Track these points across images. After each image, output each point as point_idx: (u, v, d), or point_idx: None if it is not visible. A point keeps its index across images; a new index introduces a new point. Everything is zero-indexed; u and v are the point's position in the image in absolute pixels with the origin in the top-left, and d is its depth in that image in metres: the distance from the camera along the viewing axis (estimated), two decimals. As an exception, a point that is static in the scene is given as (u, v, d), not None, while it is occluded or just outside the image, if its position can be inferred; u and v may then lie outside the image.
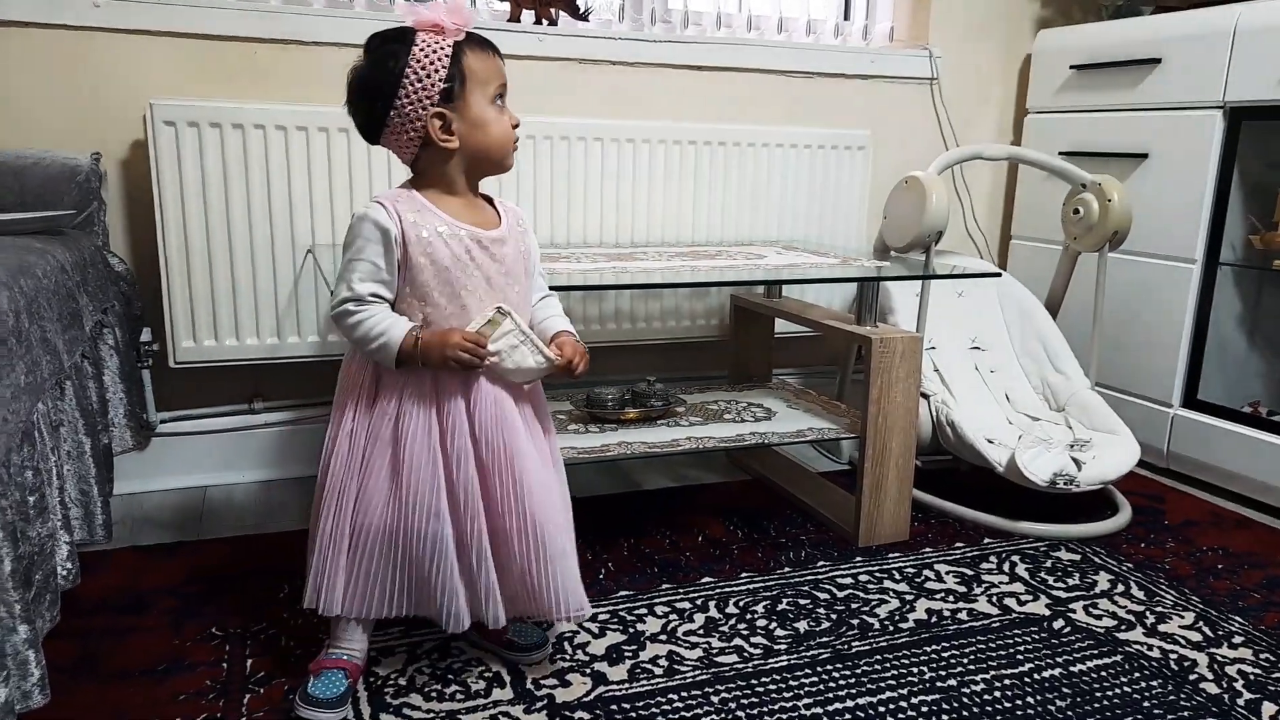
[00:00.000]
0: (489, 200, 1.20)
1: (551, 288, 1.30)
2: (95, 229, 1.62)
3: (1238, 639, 1.37)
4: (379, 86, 1.09)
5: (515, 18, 1.95)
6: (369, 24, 1.79)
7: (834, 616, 1.40)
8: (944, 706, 1.18)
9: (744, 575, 1.53)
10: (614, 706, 1.16)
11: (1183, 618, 1.43)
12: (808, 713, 1.16)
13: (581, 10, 2.00)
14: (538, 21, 1.96)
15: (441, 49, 1.08)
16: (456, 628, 1.15)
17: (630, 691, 1.19)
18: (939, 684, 1.23)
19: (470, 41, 1.10)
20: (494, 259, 1.14)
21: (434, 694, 1.18)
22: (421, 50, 1.07)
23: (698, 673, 1.24)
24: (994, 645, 1.33)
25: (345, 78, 1.12)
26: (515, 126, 1.16)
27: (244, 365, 1.78)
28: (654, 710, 1.16)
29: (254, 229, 1.69)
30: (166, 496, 1.81)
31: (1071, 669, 1.28)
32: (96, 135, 1.68)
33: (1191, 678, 1.26)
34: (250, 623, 1.33)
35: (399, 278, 1.11)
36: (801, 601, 1.44)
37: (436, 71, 1.07)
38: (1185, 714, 1.18)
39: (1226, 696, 1.22)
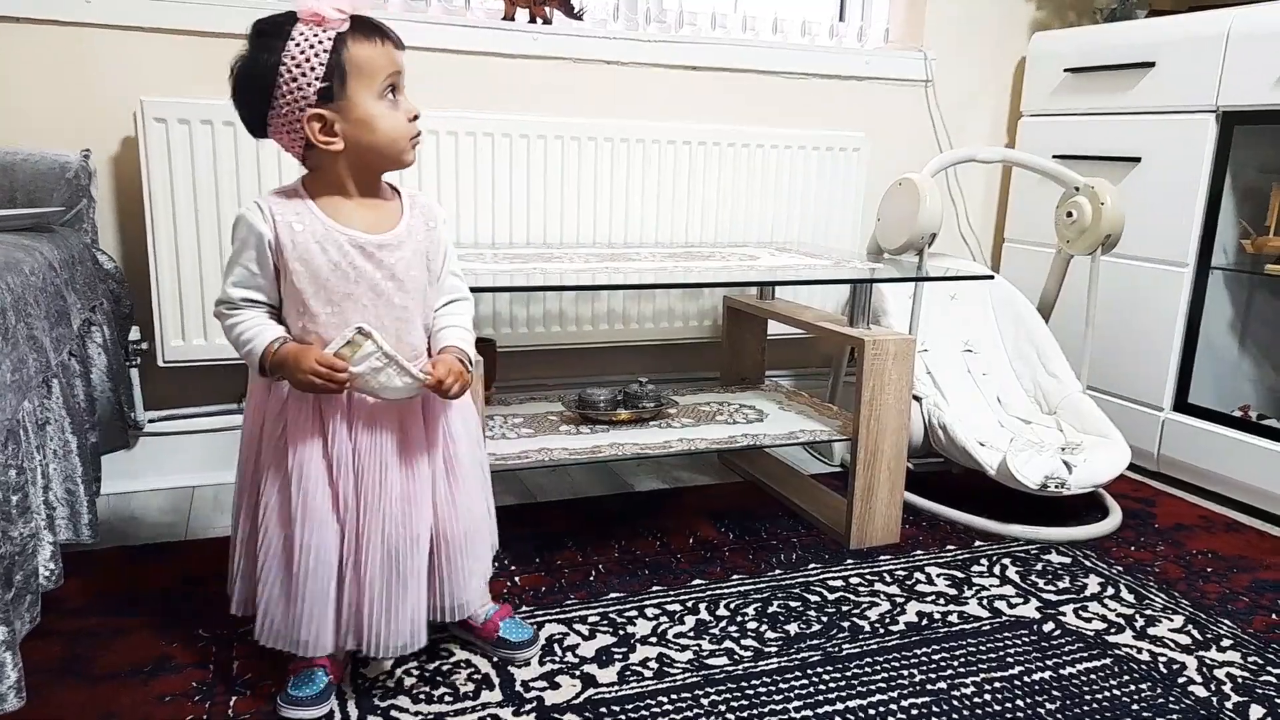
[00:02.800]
0: (399, 194, 1.14)
1: (544, 288, 1.27)
2: (84, 226, 1.61)
3: (1226, 642, 1.37)
4: (255, 82, 1.02)
5: (509, 16, 1.95)
6: (361, 22, 1.79)
7: (824, 619, 1.40)
8: (934, 709, 1.18)
9: (735, 577, 1.52)
10: (603, 709, 1.16)
11: (1172, 621, 1.43)
12: (798, 715, 1.16)
13: (575, 9, 2.00)
14: (532, 20, 1.96)
15: (320, 43, 1.00)
16: (340, 645, 1.12)
17: (620, 694, 1.19)
18: (929, 687, 1.23)
19: (355, 30, 1.02)
20: (379, 265, 1.07)
21: (422, 696, 1.18)
22: (297, 45, 1.00)
23: (688, 675, 1.24)
24: (984, 648, 1.33)
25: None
26: (413, 119, 1.08)
27: (233, 365, 1.77)
28: (644, 713, 1.15)
29: (244, 227, 1.68)
30: (154, 496, 1.80)
31: (1061, 672, 1.27)
32: (86, 132, 1.67)
33: (1180, 681, 1.26)
34: (237, 624, 1.32)
35: (279, 283, 1.06)
36: (792, 604, 1.44)
37: (313, 69, 1.00)
38: (1174, 717, 1.18)
39: (1215, 699, 1.22)
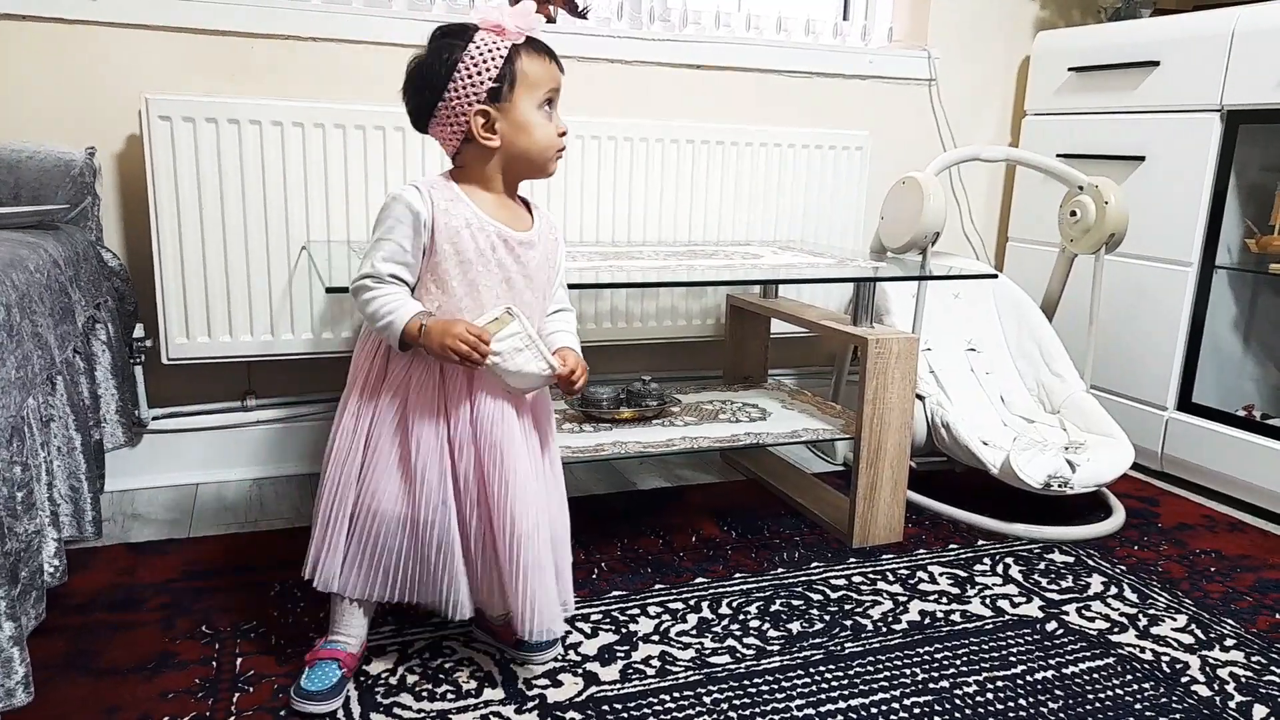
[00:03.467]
0: (526, 204, 1.21)
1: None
2: (89, 224, 1.61)
3: (1230, 642, 1.37)
4: (431, 77, 1.10)
5: (512, 15, 1.94)
6: (365, 20, 1.79)
7: (827, 618, 1.40)
8: (936, 708, 1.18)
9: (737, 576, 1.53)
10: (606, 707, 1.16)
11: (1175, 620, 1.43)
12: (800, 714, 1.16)
13: (580, 8, 2.00)
14: (535, 19, 1.96)
15: (497, 49, 1.09)
16: (458, 615, 1.16)
17: (622, 692, 1.19)
18: (932, 685, 1.23)
19: (528, 45, 1.12)
20: (517, 260, 1.15)
21: (425, 693, 1.18)
22: (477, 48, 1.09)
23: (690, 673, 1.24)
24: (987, 647, 1.33)
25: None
26: (562, 135, 1.16)
27: (237, 362, 1.77)
28: (646, 711, 1.15)
29: (248, 225, 1.68)
30: (158, 493, 1.80)
31: (1064, 671, 1.27)
32: (91, 129, 1.67)
33: (1183, 680, 1.26)
34: (240, 621, 1.32)
35: (422, 262, 1.12)
36: (795, 602, 1.44)
37: (488, 70, 1.09)
38: (1177, 716, 1.18)
39: (1218, 699, 1.22)
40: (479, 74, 1.09)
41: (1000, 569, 1.58)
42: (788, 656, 1.29)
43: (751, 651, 1.30)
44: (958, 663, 1.29)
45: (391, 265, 1.11)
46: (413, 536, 1.14)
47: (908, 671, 1.26)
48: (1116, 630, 1.39)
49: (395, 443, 1.14)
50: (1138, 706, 1.20)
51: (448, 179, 1.15)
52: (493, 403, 1.14)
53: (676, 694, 1.19)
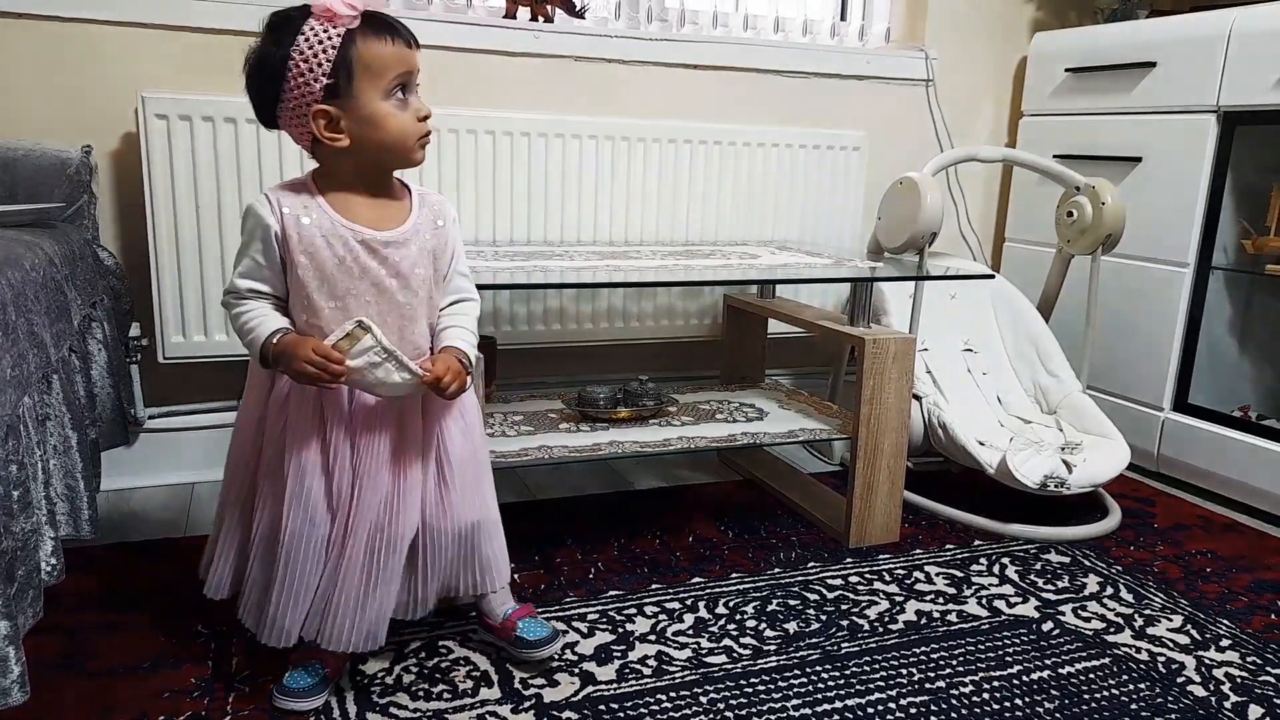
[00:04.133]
0: (408, 190, 1.14)
1: (544, 285, 1.27)
2: (85, 222, 1.61)
3: (1225, 642, 1.37)
4: (264, 75, 1.03)
5: (511, 14, 1.94)
6: (363, 19, 1.79)
7: (823, 618, 1.40)
8: (933, 708, 1.18)
9: (734, 576, 1.53)
10: (602, 706, 1.16)
11: (1171, 620, 1.43)
12: (796, 714, 1.16)
13: (577, 8, 2.00)
14: (533, 18, 1.96)
15: (328, 39, 1.00)
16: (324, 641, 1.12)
17: (619, 691, 1.19)
18: (928, 685, 1.23)
19: (366, 27, 1.02)
20: (383, 263, 1.08)
21: (421, 693, 1.18)
22: (306, 40, 1.00)
23: (687, 673, 1.24)
24: (983, 647, 1.33)
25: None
26: (424, 119, 1.08)
27: (233, 361, 1.77)
28: (642, 710, 1.15)
29: (245, 224, 1.68)
30: (154, 493, 1.80)
31: (1060, 671, 1.28)
32: (87, 127, 1.67)
33: (1179, 680, 1.26)
34: (237, 620, 1.32)
35: (285, 276, 1.07)
36: (791, 602, 1.44)
37: (320, 65, 1.00)
38: (1173, 716, 1.18)
39: (1213, 699, 1.22)
40: (310, 71, 1.00)
41: (996, 569, 1.59)
42: (784, 656, 1.29)
43: (748, 651, 1.30)
44: (954, 663, 1.29)
45: (249, 281, 1.07)
46: (287, 555, 1.09)
47: (904, 671, 1.26)
48: (1112, 630, 1.39)
49: (280, 461, 1.10)
50: (1133, 707, 1.20)
51: (305, 181, 1.09)
52: (366, 412, 1.10)
53: (673, 694, 1.19)
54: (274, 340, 1.06)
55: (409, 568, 1.16)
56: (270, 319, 1.07)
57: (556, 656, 1.26)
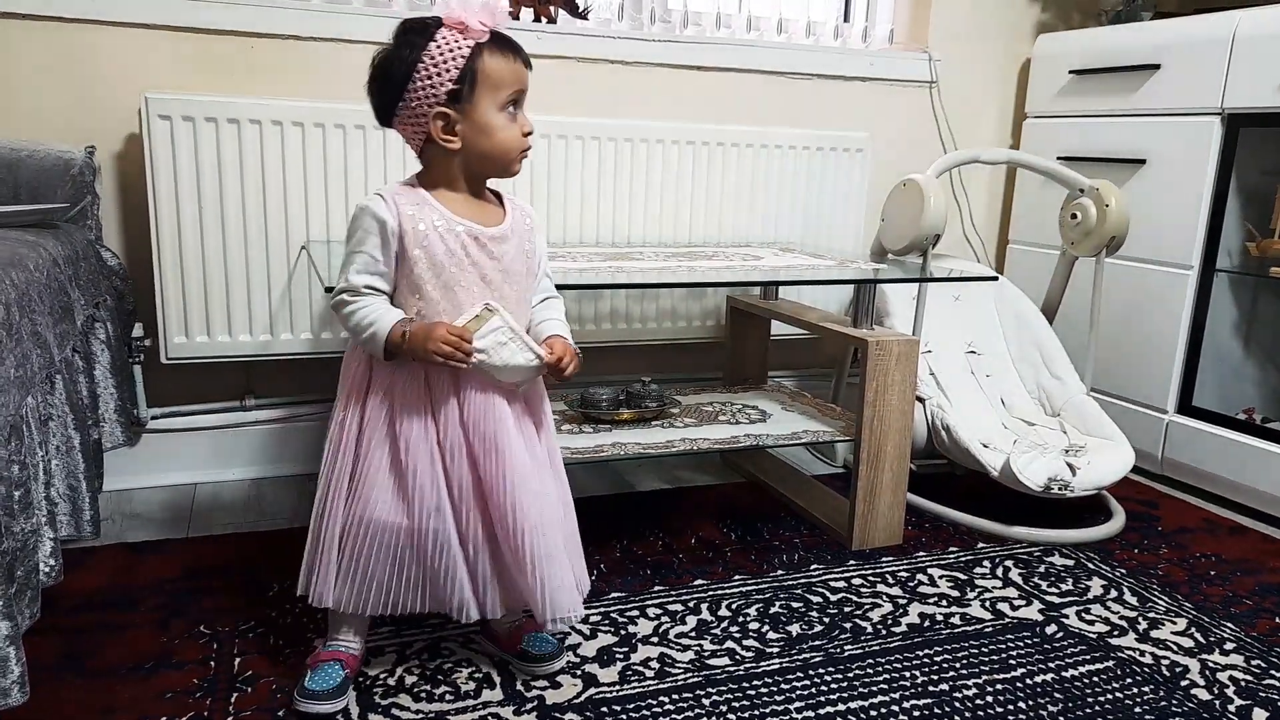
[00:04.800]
0: (500, 197, 1.20)
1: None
2: (88, 223, 1.61)
3: (1229, 645, 1.36)
4: (392, 74, 1.09)
5: (514, 15, 1.94)
6: (366, 20, 1.79)
7: (826, 620, 1.39)
8: (936, 711, 1.17)
9: (737, 578, 1.52)
10: (604, 708, 1.15)
11: (1175, 624, 1.42)
12: (799, 716, 1.15)
13: (580, 9, 2.00)
14: (537, 19, 1.96)
15: (459, 48, 1.07)
16: (463, 617, 1.15)
17: (621, 693, 1.19)
18: (931, 688, 1.22)
19: (493, 43, 1.10)
20: (491, 256, 1.14)
21: (423, 694, 1.17)
22: (438, 46, 1.07)
23: (689, 675, 1.23)
24: (986, 650, 1.33)
25: (367, 63, 1.13)
26: (527, 134, 1.15)
27: (236, 362, 1.77)
28: (645, 713, 1.15)
29: (248, 225, 1.68)
30: (156, 493, 1.80)
31: (1064, 674, 1.27)
32: (91, 128, 1.67)
33: (1183, 684, 1.26)
34: (239, 621, 1.32)
35: (396, 270, 1.12)
36: (794, 605, 1.44)
37: (448, 71, 1.07)
38: (1177, 721, 1.18)
39: (1218, 703, 1.22)
40: (439, 75, 1.07)
41: (1000, 572, 1.58)
42: (787, 659, 1.28)
43: (751, 654, 1.29)
44: (957, 665, 1.28)
45: (366, 277, 1.11)
46: (409, 545, 1.13)
47: (907, 674, 1.26)
48: (1116, 633, 1.39)
49: (386, 451, 1.13)
50: (1137, 710, 1.20)
51: (414, 182, 1.15)
52: (481, 398, 1.13)
53: (675, 696, 1.19)
54: (405, 328, 1.09)
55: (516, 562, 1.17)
56: (390, 312, 1.11)
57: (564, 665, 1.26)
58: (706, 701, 1.18)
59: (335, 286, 1.13)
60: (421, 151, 1.14)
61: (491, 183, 1.20)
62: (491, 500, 1.13)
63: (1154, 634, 1.39)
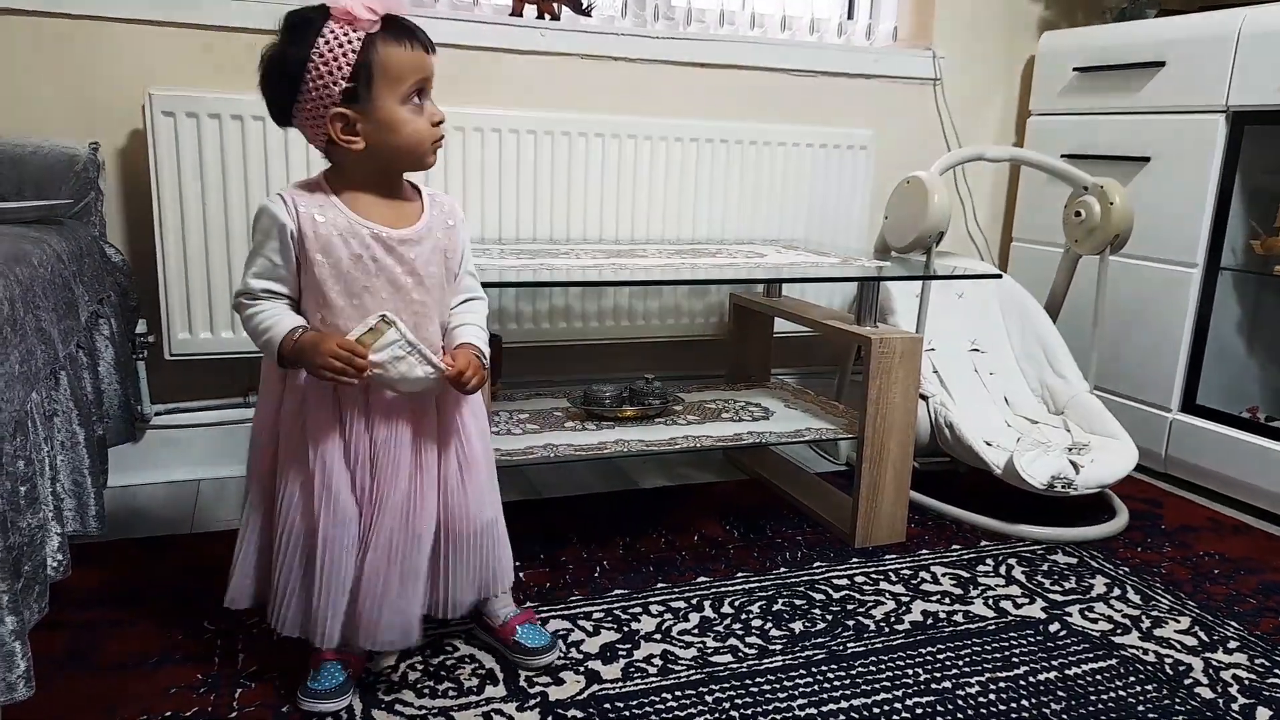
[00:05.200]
0: (419, 192, 1.15)
1: (550, 284, 1.27)
2: (92, 219, 1.61)
3: (1233, 644, 1.36)
4: (282, 74, 1.03)
5: (518, 12, 1.94)
6: (370, 17, 1.79)
7: (829, 617, 1.40)
8: (939, 709, 1.17)
9: (740, 575, 1.52)
10: (607, 705, 1.16)
11: (1178, 622, 1.42)
12: (802, 713, 1.15)
13: (584, 6, 1.99)
14: (540, 16, 1.96)
15: (348, 43, 1.00)
16: (371, 644, 1.13)
17: (624, 690, 1.19)
18: (934, 686, 1.22)
19: (387, 31, 1.02)
20: (400, 260, 1.08)
21: (426, 691, 1.18)
22: (326, 43, 1.00)
23: (692, 672, 1.23)
24: (989, 648, 1.33)
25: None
26: (437, 124, 1.08)
27: (239, 358, 1.77)
28: (647, 709, 1.15)
29: (252, 221, 1.68)
30: (160, 489, 1.80)
31: (1067, 672, 1.27)
32: (95, 124, 1.67)
33: (1186, 682, 1.26)
34: (242, 617, 1.32)
35: (299, 275, 1.07)
36: (797, 602, 1.44)
37: (339, 69, 1.00)
38: (1180, 718, 1.18)
39: (1221, 701, 1.22)
40: (330, 74, 1.00)
41: (1003, 570, 1.58)
42: (790, 656, 1.28)
43: (754, 651, 1.29)
44: (960, 663, 1.28)
45: (263, 281, 1.06)
46: (325, 555, 1.09)
47: (910, 672, 1.26)
48: (1119, 632, 1.39)
49: (302, 460, 1.09)
50: (1140, 708, 1.20)
51: (319, 181, 1.09)
52: (384, 410, 1.09)
53: (678, 693, 1.19)
54: (294, 337, 1.05)
55: (433, 566, 1.15)
56: (286, 317, 1.07)
57: (560, 654, 1.26)
58: (709, 698, 1.18)
59: (236, 288, 1.09)
60: (326, 151, 1.08)
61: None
62: (375, 511, 1.10)
63: (1157, 632, 1.39)
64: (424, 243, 1.10)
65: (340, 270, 1.06)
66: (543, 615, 1.35)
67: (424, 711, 1.13)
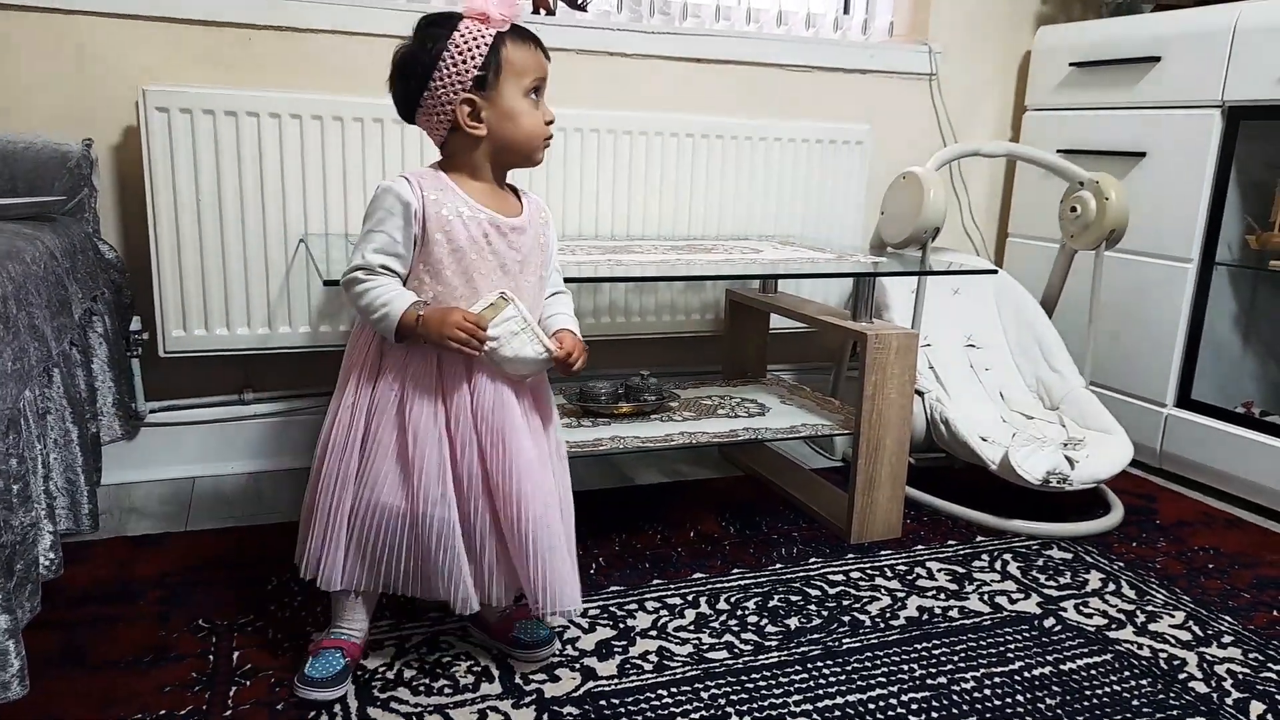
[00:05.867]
0: (515, 190, 1.22)
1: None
2: (86, 215, 1.60)
3: (1227, 638, 1.37)
4: (416, 66, 1.11)
5: (512, 7, 1.94)
6: (365, 11, 1.78)
7: (825, 613, 1.40)
8: (934, 704, 1.18)
9: (735, 571, 1.52)
10: (603, 702, 1.16)
11: (1173, 617, 1.43)
12: (798, 709, 1.15)
13: (580, 1, 1.99)
14: (536, 11, 1.95)
15: (482, 37, 1.09)
16: (464, 610, 1.16)
17: (620, 687, 1.19)
18: (929, 681, 1.23)
19: (513, 33, 1.12)
20: (510, 246, 1.15)
21: (422, 688, 1.18)
22: (462, 36, 1.09)
23: (688, 669, 1.24)
24: (985, 643, 1.33)
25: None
26: (549, 123, 1.16)
27: (234, 355, 1.77)
28: (643, 706, 1.15)
29: (246, 217, 1.67)
30: (154, 487, 1.80)
31: (1062, 667, 1.27)
32: (88, 121, 1.67)
33: (1181, 677, 1.26)
34: (237, 614, 1.32)
35: (414, 253, 1.12)
36: (793, 598, 1.44)
37: (473, 58, 1.09)
38: (1174, 713, 1.18)
39: (1215, 695, 1.22)
40: (464, 62, 1.09)
41: (998, 565, 1.58)
42: (785, 652, 1.28)
43: (749, 647, 1.29)
44: (955, 659, 1.29)
45: (383, 257, 1.11)
46: (413, 530, 1.13)
47: (906, 667, 1.26)
48: (1114, 626, 1.39)
49: (394, 434, 1.13)
50: (1135, 703, 1.20)
51: (436, 170, 1.16)
52: (491, 388, 1.14)
53: (674, 689, 1.19)
54: (419, 311, 1.10)
55: (501, 550, 1.17)
56: (405, 293, 1.11)
57: (555, 651, 1.26)
58: (705, 695, 1.18)
59: (349, 263, 1.13)
60: (445, 142, 1.15)
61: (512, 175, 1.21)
62: (498, 492, 1.13)
63: (1152, 627, 1.39)
64: (528, 232, 1.18)
65: (458, 251, 1.12)
66: (538, 612, 1.35)
67: (419, 709, 1.13)
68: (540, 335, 1.15)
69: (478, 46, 1.09)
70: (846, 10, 2.36)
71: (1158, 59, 1.99)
